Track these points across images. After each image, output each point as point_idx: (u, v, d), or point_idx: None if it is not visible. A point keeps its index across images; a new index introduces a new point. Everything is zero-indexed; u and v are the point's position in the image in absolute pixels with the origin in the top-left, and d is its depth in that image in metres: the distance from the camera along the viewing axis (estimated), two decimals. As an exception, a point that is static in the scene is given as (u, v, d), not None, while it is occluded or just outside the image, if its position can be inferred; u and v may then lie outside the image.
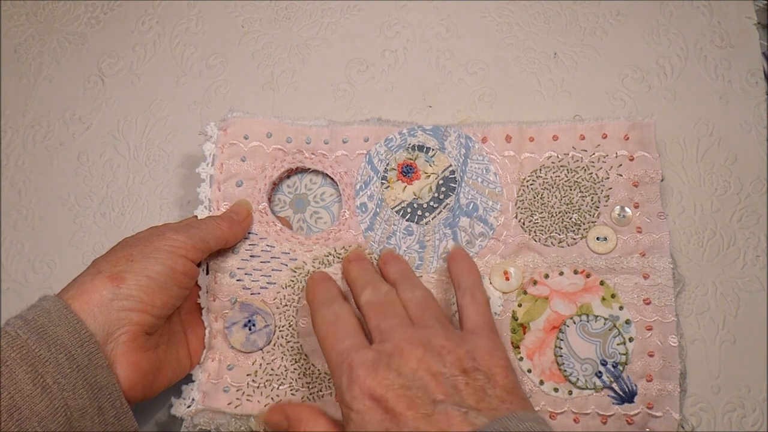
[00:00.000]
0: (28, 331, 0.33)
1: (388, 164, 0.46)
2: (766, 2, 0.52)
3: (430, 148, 0.46)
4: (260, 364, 0.42)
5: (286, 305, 0.43)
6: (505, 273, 0.43)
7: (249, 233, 0.44)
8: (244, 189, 0.45)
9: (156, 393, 0.39)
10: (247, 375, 0.42)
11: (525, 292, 0.43)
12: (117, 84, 0.55)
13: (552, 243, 0.44)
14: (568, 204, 0.44)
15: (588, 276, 0.43)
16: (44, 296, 0.36)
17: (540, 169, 0.45)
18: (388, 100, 0.51)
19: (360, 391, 0.32)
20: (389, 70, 0.52)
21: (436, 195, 0.45)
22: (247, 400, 0.42)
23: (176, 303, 0.39)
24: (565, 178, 0.45)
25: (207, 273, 0.44)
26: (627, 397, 0.40)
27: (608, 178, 0.44)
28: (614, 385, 0.40)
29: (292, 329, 0.43)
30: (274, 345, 0.43)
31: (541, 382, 0.41)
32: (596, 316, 0.42)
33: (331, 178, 0.46)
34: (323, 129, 0.47)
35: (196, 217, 0.44)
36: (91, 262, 0.39)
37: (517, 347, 0.42)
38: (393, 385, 0.32)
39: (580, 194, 0.44)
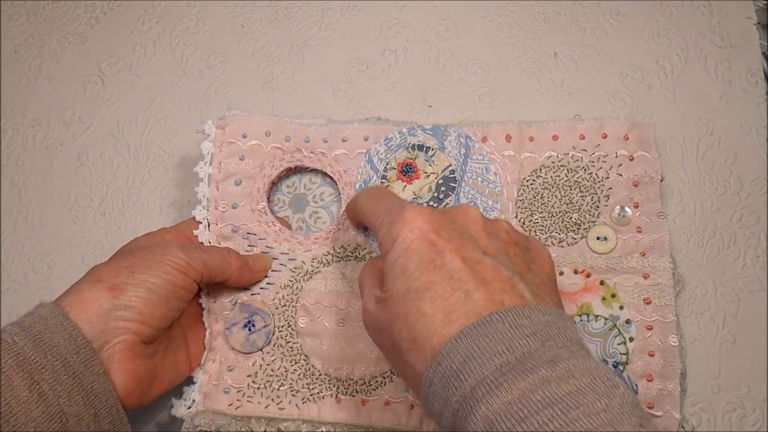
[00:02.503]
0: (24, 338, 0.33)
1: (387, 163, 0.46)
2: (766, 2, 0.52)
3: (429, 147, 0.46)
4: (260, 365, 0.42)
5: (285, 305, 0.43)
6: (505, 273, 0.43)
7: (248, 234, 0.44)
8: (243, 188, 0.45)
9: (153, 399, 0.39)
10: (248, 376, 0.42)
11: (525, 292, 0.43)
12: (117, 84, 0.55)
13: (552, 243, 0.44)
14: (568, 204, 0.44)
15: (588, 276, 0.43)
16: (41, 303, 0.36)
17: (540, 169, 0.45)
18: (388, 100, 0.51)
19: (410, 224, 0.31)
20: (389, 70, 0.52)
21: (435, 194, 0.45)
22: (248, 401, 0.42)
23: (175, 315, 0.39)
24: (565, 178, 0.45)
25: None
26: (627, 397, 0.40)
27: (608, 177, 0.44)
28: (614, 385, 0.40)
29: (292, 329, 0.43)
30: (274, 345, 0.43)
31: (541, 382, 0.41)
32: (596, 316, 0.42)
33: (330, 177, 0.46)
34: (322, 128, 0.47)
35: (194, 218, 0.44)
36: (91, 268, 0.38)
37: (517, 347, 0.42)
38: (445, 228, 0.31)
39: (580, 194, 0.44)
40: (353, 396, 0.41)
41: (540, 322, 0.28)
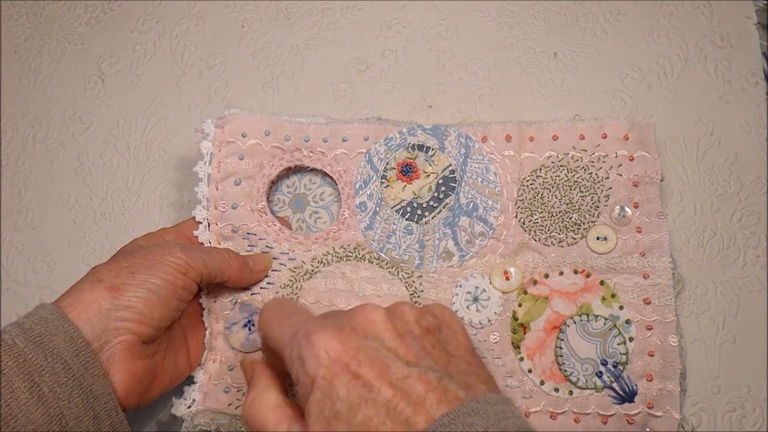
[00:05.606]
0: (25, 339, 0.33)
1: (387, 163, 0.46)
2: (766, 2, 0.52)
3: (429, 147, 0.46)
4: (260, 365, 0.42)
5: (286, 305, 0.43)
6: (505, 273, 0.43)
7: (248, 234, 0.44)
8: (243, 188, 0.45)
9: (153, 399, 0.39)
10: (247, 375, 0.42)
11: (525, 292, 0.43)
12: (117, 84, 0.55)
13: (552, 243, 0.44)
14: (568, 204, 0.44)
15: (588, 276, 0.43)
16: (41, 304, 0.36)
17: (540, 169, 0.45)
18: (388, 100, 0.51)
19: (324, 359, 0.29)
20: (389, 70, 0.52)
21: (435, 194, 0.45)
22: (247, 400, 0.42)
23: (175, 315, 0.39)
24: (565, 178, 0.45)
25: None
26: (627, 396, 0.40)
27: (608, 177, 0.44)
28: (614, 385, 0.40)
29: (292, 329, 0.43)
30: (274, 345, 0.43)
31: (542, 383, 0.41)
32: (596, 316, 0.42)
33: (330, 177, 0.46)
34: (322, 127, 0.47)
35: (194, 218, 0.44)
36: (91, 268, 0.39)
37: (517, 347, 0.42)
38: (360, 349, 0.30)
39: (580, 194, 0.44)
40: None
41: (490, 413, 0.27)
